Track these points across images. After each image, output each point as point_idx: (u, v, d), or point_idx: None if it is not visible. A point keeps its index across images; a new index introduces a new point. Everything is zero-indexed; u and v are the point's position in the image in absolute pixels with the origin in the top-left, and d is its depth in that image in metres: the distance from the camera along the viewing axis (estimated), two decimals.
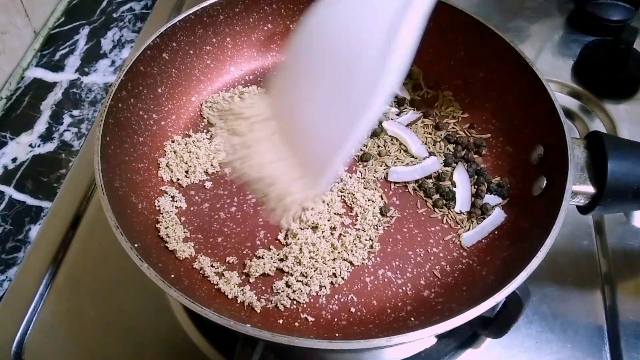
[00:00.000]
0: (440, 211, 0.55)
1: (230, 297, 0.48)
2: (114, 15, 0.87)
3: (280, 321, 0.47)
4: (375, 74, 0.35)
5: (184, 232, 0.52)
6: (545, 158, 0.52)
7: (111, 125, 0.50)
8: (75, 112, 0.74)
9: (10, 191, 0.66)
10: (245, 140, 0.44)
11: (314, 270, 0.49)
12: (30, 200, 0.65)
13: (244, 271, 0.50)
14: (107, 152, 0.49)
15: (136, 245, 0.43)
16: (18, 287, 0.56)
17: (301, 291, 0.48)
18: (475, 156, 0.58)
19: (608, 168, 0.46)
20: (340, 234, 0.52)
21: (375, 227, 0.53)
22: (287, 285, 0.49)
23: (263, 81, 0.64)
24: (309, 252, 0.50)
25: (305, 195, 0.42)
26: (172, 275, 0.47)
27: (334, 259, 0.50)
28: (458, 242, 0.53)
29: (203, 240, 0.52)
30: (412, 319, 0.47)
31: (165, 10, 0.83)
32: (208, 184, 0.56)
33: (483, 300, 0.40)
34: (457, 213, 0.54)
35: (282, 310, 0.48)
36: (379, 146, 0.59)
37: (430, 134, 0.60)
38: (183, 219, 0.53)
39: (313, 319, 0.47)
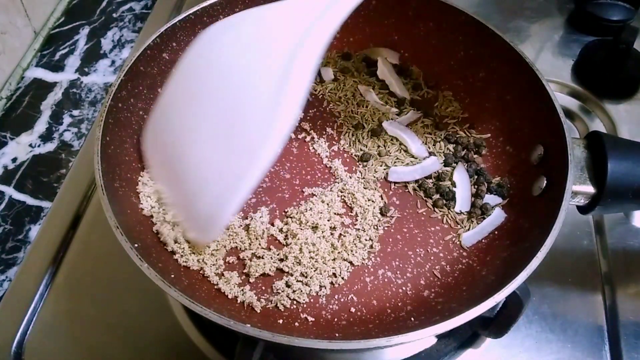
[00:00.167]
0: (440, 211, 0.55)
1: (230, 297, 0.48)
2: (114, 15, 0.87)
3: (280, 321, 0.47)
4: (268, 117, 0.32)
5: None
6: (545, 158, 0.52)
7: (111, 125, 0.50)
8: (75, 112, 0.74)
9: (10, 191, 0.66)
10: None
11: (314, 270, 0.50)
12: (30, 200, 0.65)
13: (244, 271, 0.50)
14: (107, 152, 0.49)
15: (136, 245, 0.43)
16: (18, 287, 0.56)
17: (301, 291, 0.48)
18: (475, 156, 0.58)
19: (608, 168, 0.46)
20: (340, 234, 0.52)
21: (375, 227, 0.53)
22: (287, 285, 0.49)
23: None
24: (309, 252, 0.50)
25: (193, 236, 0.39)
26: (172, 275, 0.47)
27: (334, 259, 0.50)
28: (458, 242, 0.53)
29: None
30: (412, 319, 0.47)
31: (165, 10, 0.83)
32: None
33: (483, 300, 0.40)
34: (457, 213, 0.54)
35: (282, 310, 0.48)
36: (379, 146, 0.59)
37: (430, 134, 0.60)
38: None
39: (313, 319, 0.47)
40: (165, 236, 0.50)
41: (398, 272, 0.51)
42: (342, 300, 0.49)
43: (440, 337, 0.53)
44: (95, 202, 0.62)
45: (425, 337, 0.39)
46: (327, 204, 0.54)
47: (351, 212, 0.54)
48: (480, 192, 0.55)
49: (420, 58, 0.65)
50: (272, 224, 0.53)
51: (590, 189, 0.48)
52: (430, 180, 0.57)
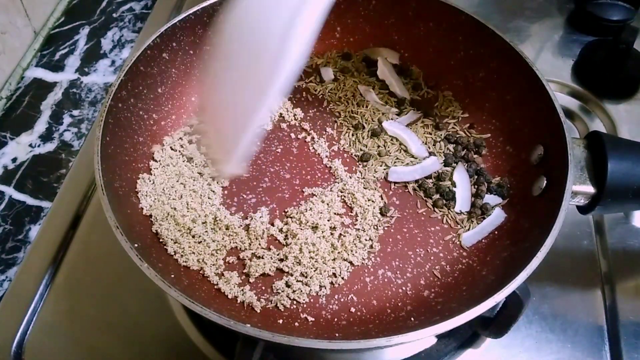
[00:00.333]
0: (440, 211, 0.55)
1: (230, 297, 0.48)
2: (114, 15, 0.87)
3: (280, 321, 0.47)
4: (276, 59, 0.40)
5: None
6: (545, 158, 0.52)
7: (111, 125, 0.50)
8: (75, 112, 0.74)
9: (10, 191, 0.66)
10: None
11: (314, 270, 0.50)
12: (30, 200, 0.65)
13: (244, 271, 0.50)
14: (107, 152, 0.49)
15: (136, 245, 0.43)
16: (18, 287, 0.56)
17: (301, 291, 0.48)
18: (475, 156, 0.58)
19: (608, 168, 0.46)
20: (340, 234, 0.52)
21: (375, 227, 0.53)
22: (287, 285, 0.49)
23: None
24: (309, 252, 0.50)
25: (223, 166, 0.46)
26: (172, 275, 0.47)
27: (334, 259, 0.50)
28: (458, 242, 0.53)
29: None
30: (412, 319, 0.47)
31: (165, 10, 0.83)
32: None
33: (483, 300, 0.40)
34: (457, 213, 0.54)
35: (282, 310, 0.48)
36: (379, 146, 0.59)
37: (430, 134, 0.60)
38: None
39: (313, 319, 0.47)
40: (165, 236, 0.50)
41: (398, 272, 0.51)
42: (342, 300, 0.49)
43: (440, 337, 0.53)
44: (95, 202, 0.62)
45: (425, 337, 0.39)
46: (327, 204, 0.54)
47: (351, 212, 0.54)
48: (480, 192, 0.55)
49: (420, 58, 0.65)
50: (272, 224, 0.53)
51: (590, 189, 0.48)
52: (430, 180, 0.57)
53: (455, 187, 0.56)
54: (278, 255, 0.51)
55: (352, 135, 0.60)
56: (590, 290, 0.56)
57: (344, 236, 0.52)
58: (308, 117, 0.61)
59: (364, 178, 0.56)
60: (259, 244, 0.51)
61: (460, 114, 0.61)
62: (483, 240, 0.52)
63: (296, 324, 0.47)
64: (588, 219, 0.61)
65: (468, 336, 0.53)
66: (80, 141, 0.71)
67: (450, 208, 0.55)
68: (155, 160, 0.56)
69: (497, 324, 0.46)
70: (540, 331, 0.53)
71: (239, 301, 0.48)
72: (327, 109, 0.62)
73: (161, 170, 0.55)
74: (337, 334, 0.46)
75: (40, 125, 0.72)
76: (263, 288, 0.49)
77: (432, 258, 0.52)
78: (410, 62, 0.65)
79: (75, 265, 0.58)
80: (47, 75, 0.78)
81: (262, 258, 0.50)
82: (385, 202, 0.55)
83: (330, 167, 0.57)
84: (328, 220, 0.53)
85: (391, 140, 0.59)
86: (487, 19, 0.58)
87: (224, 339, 0.52)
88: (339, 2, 0.62)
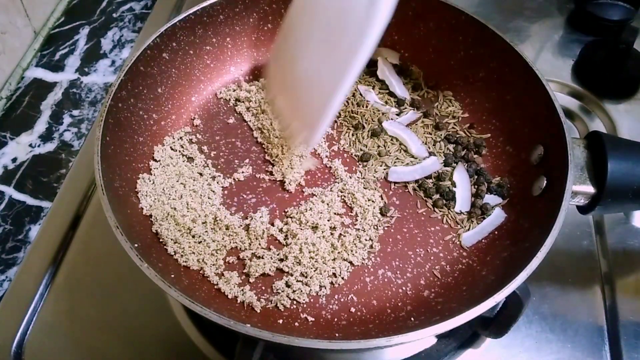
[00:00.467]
0: (440, 211, 0.55)
1: (230, 297, 0.48)
2: (114, 15, 0.87)
3: (280, 321, 0.47)
4: (362, 25, 0.40)
5: None
6: (545, 158, 0.52)
7: (111, 125, 0.51)
8: (75, 112, 0.74)
9: (10, 191, 0.66)
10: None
11: (314, 270, 0.50)
12: (30, 200, 0.65)
13: (244, 271, 0.50)
14: (107, 152, 0.49)
15: (136, 245, 0.43)
16: (18, 287, 0.56)
17: (301, 291, 0.48)
18: (475, 156, 0.58)
19: (608, 168, 0.46)
20: (340, 234, 0.52)
21: (375, 227, 0.53)
22: (287, 285, 0.49)
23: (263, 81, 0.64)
24: (309, 252, 0.50)
25: (305, 136, 0.47)
26: (172, 275, 0.47)
27: (334, 259, 0.50)
28: (458, 242, 0.53)
29: None
30: (412, 319, 0.47)
31: (165, 10, 0.83)
32: None
33: (483, 300, 0.40)
34: (457, 213, 0.54)
35: (282, 310, 0.48)
36: (379, 146, 0.59)
37: (430, 134, 0.60)
38: None
39: (313, 319, 0.47)
40: (165, 236, 0.50)
41: (398, 272, 0.51)
42: (342, 300, 0.49)
43: (440, 337, 0.53)
44: (95, 202, 0.62)
45: (425, 337, 0.39)
46: (327, 204, 0.54)
47: (351, 212, 0.54)
48: (480, 192, 0.55)
49: (420, 58, 0.65)
50: (272, 224, 0.53)
51: (590, 189, 0.48)
52: (430, 180, 0.57)
53: (455, 187, 0.56)
54: (278, 255, 0.51)
55: (352, 135, 0.60)
56: (590, 290, 0.56)
57: (344, 236, 0.52)
58: None
59: (364, 178, 0.56)
60: (259, 244, 0.51)
61: (460, 114, 0.61)
62: (483, 240, 0.52)
63: (296, 324, 0.47)
64: (588, 219, 0.61)
65: (468, 336, 0.53)
66: (80, 141, 0.71)
67: (450, 208, 0.55)
68: (156, 160, 0.56)
69: (497, 324, 0.46)
70: (540, 331, 0.53)
71: (239, 301, 0.48)
72: None
73: (161, 170, 0.55)
74: (337, 334, 0.46)
75: (40, 125, 0.72)
76: (263, 288, 0.49)
77: (432, 258, 0.52)
78: (410, 62, 0.65)
79: (75, 265, 0.58)
80: (47, 75, 0.78)
81: (262, 258, 0.50)
82: (385, 202, 0.55)
83: (330, 167, 0.57)
84: (328, 220, 0.53)
85: (391, 140, 0.59)
86: (487, 19, 0.58)
87: (224, 339, 0.52)
88: None
